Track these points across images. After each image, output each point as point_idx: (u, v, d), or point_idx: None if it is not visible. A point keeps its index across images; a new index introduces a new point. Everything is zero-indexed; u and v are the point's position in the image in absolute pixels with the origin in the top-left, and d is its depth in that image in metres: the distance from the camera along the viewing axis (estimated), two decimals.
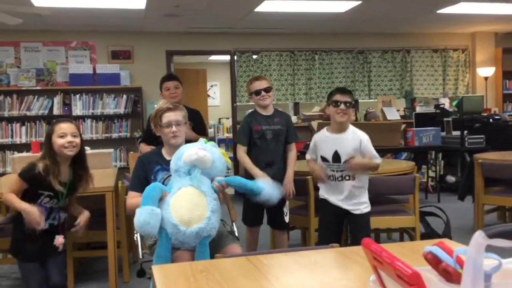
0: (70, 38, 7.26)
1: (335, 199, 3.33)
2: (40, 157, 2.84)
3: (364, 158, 3.25)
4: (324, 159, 3.32)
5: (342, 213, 3.34)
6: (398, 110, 8.11)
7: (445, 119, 7.31)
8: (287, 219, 3.79)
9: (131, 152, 3.97)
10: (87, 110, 7.13)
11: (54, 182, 2.73)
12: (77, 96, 7.09)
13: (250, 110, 3.88)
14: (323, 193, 3.42)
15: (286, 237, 3.92)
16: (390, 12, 6.78)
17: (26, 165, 2.81)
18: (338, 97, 3.21)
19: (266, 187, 2.57)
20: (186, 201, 2.40)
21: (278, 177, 3.58)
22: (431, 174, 7.39)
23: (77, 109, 7.08)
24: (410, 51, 8.46)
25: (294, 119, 8.12)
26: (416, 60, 8.50)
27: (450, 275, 0.90)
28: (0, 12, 4.75)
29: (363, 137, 3.27)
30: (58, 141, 2.74)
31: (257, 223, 3.77)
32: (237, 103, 8.02)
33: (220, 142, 10.41)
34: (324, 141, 3.34)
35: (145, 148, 3.86)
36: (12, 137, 6.91)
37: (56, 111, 7.01)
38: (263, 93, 3.64)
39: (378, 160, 3.30)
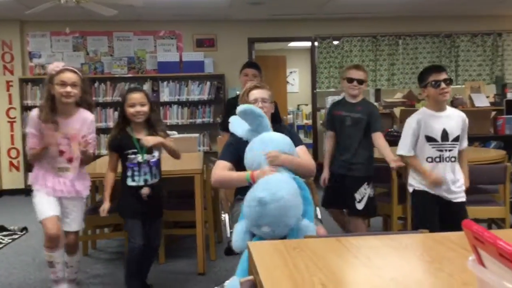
0: (159, 28, 7.62)
1: (440, 188, 3.20)
2: (115, 124, 3.30)
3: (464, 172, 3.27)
4: (430, 138, 3.16)
5: (442, 204, 3.21)
6: (487, 97, 7.71)
7: None
8: (359, 206, 3.72)
9: (219, 137, 4.14)
10: (173, 96, 7.48)
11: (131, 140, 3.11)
12: (165, 83, 7.45)
13: (339, 97, 3.98)
14: (422, 183, 3.23)
15: (361, 223, 3.85)
16: None
17: (108, 139, 3.30)
18: (435, 76, 3.09)
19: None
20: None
21: (351, 161, 3.72)
22: None
23: (165, 96, 7.44)
24: (501, 35, 8.00)
25: None
26: (508, 44, 8.03)
27: None
28: (98, 4, 5.09)
29: (465, 116, 3.21)
30: (128, 110, 3.10)
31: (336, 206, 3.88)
32: (317, 90, 8.02)
33: (299, 129, 10.49)
34: (431, 119, 3.16)
35: (226, 137, 4.06)
36: (105, 121, 7.41)
37: None
38: (355, 82, 3.71)
39: (465, 144, 3.26)
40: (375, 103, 8.08)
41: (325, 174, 3.85)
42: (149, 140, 3.10)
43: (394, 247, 1.66)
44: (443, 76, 3.09)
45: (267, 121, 2.75)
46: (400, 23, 7.92)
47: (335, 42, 7.93)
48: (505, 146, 6.77)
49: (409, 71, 8.00)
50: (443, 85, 3.06)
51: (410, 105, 7.74)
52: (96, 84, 7.39)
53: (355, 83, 3.70)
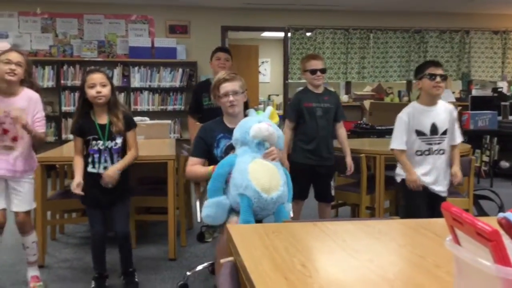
0: (130, 12, 7.50)
1: (428, 179, 3.28)
2: (76, 107, 3.18)
3: (456, 166, 3.35)
4: (420, 133, 3.25)
5: (432, 197, 3.27)
6: (453, 92, 7.96)
7: (503, 103, 7.12)
8: (333, 192, 3.98)
9: (191, 120, 4.17)
10: (144, 82, 7.39)
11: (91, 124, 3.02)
12: (136, 68, 7.35)
13: (300, 88, 4.00)
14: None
15: (330, 209, 4.10)
16: None
17: (71, 124, 3.19)
18: (433, 70, 3.18)
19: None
20: (264, 170, 2.51)
21: (328, 151, 3.81)
22: (485, 158, 7.25)
23: (135, 81, 7.35)
24: (469, 32, 8.23)
25: (345, 98, 8.12)
26: (475, 42, 8.27)
27: None
28: None
29: (453, 108, 3.31)
30: (89, 92, 3.00)
31: (303, 197, 3.88)
32: (289, 80, 8.07)
33: None
34: (420, 114, 3.25)
35: (193, 123, 4.14)
36: (73, 105, 7.25)
37: (115, 82, 7.24)
38: (318, 73, 3.76)
39: (459, 139, 3.37)
40: (345, 96, 8.22)
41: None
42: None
43: (368, 232, 1.72)
44: (440, 71, 3.19)
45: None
46: (372, 17, 8.04)
47: (308, 34, 7.98)
48: (469, 140, 7.00)
49: (379, 65, 8.14)
50: (438, 79, 3.15)
51: (379, 98, 7.91)
52: (64, 67, 7.23)
53: (318, 73, 3.75)
